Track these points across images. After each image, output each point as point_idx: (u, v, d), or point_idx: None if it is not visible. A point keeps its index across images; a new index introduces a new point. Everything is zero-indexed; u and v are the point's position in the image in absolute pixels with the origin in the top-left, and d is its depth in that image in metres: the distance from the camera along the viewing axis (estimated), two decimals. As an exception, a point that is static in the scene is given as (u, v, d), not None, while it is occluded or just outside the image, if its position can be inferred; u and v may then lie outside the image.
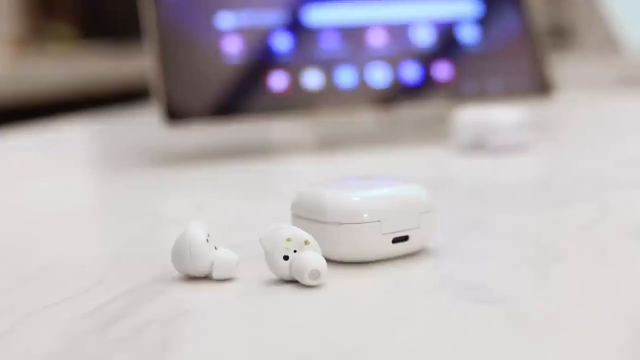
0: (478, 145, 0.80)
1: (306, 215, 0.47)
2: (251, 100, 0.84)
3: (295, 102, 0.84)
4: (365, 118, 0.89)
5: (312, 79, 0.85)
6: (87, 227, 0.60)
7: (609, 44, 1.27)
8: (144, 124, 1.14)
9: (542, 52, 0.92)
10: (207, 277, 0.45)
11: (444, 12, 0.91)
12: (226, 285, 0.44)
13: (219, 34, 0.85)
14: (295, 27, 0.87)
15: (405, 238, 0.46)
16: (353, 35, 0.88)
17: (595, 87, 1.23)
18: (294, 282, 0.43)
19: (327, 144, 0.86)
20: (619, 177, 0.67)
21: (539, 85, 0.90)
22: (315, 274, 0.43)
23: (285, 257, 0.44)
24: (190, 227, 0.45)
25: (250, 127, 0.86)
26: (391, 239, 0.46)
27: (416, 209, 0.47)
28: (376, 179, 0.50)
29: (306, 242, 0.44)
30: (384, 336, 0.36)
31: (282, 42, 0.86)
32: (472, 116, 0.81)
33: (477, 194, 0.64)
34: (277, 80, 0.85)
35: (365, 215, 0.46)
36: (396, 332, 0.37)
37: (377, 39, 0.88)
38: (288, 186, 0.71)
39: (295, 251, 0.44)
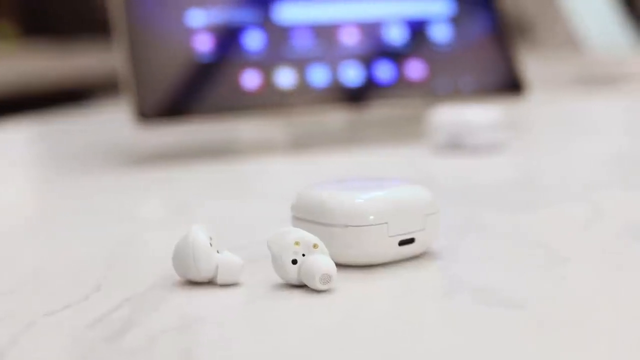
0: (455, 145, 0.79)
1: (309, 217, 0.46)
2: (223, 99, 0.82)
3: (268, 100, 0.83)
4: (339, 117, 0.88)
5: (285, 77, 0.84)
6: (68, 231, 0.58)
7: (569, 41, 1.27)
8: (106, 123, 1.12)
9: (514, 50, 0.92)
10: (209, 282, 0.44)
11: (416, 10, 0.90)
12: (232, 290, 0.43)
13: (190, 32, 0.83)
14: (267, 24, 0.85)
15: (411, 240, 0.45)
16: (325, 33, 0.87)
17: (556, 85, 1.23)
18: (301, 286, 0.42)
19: (301, 144, 0.85)
20: (604, 177, 0.67)
21: (512, 84, 0.90)
22: (326, 278, 0.42)
23: (294, 261, 0.42)
24: (192, 230, 0.44)
25: (222, 126, 0.85)
26: (398, 242, 0.45)
27: (422, 211, 0.46)
28: (376, 180, 0.49)
29: (315, 246, 0.43)
30: (405, 342, 0.35)
31: (254, 40, 0.85)
32: (448, 115, 0.80)
33: (461, 194, 0.63)
34: (250, 79, 0.83)
35: (372, 218, 0.45)
36: (418, 338, 0.36)
37: (349, 37, 0.87)
38: (267, 186, 0.70)
39: (303, 255, 0.42)
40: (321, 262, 0.42)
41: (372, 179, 0.50)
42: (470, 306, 0.39)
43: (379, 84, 0.87)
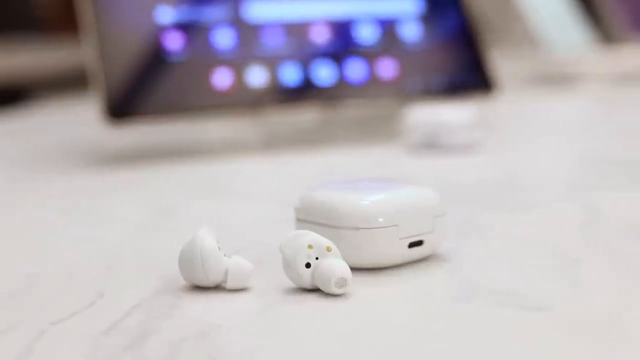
0: (430, 145, 0.79)
1: (316, 219, 0.45)
2: (194, 98, 0.81)
3: (240, 100, 0.82)
4: (311, 116, 0.87)
5: (256, 76, 0.83)
6: (56, 235, 0.56)
7: (527, 40, 1.28)
8: (63, 123, 1.10)
9: (484, 49, 0.92)
10: (217, 287, 0.43)
11: (386, 8, 0.89)
12: (243, 295, 0.42)
13: (159, 29, 0.82)
14: (237, 22, 0.84)
15: (420, 242, 0.45)
16: (296, 31, 0.85)
17: (515, 84, 1.23)
18: (314, 290, 0.41)
19: (274, 143, 0.84)
20: (587, 177, 0.67)
21: (483, 83, 0.90)
22: (342, 282, 0.41)
23: (307, 265, 0.41)
24: (200, 234, 0.43)
25: (192, 125, 0.83)
26: (407, 244, 0.44)
27: (431, 213, 0.45)
28: (379, 182, 0.49)
29: (328, 249, 0.42)
30: (432, 348, 0.35)
31: (224, 38, 0.83)
32: (423, 115, 0.80)
33: (450, 194, 0.62)
34: (221, 78, 0.82)
35: (382, 220, 0.44)
36: (445, 345, 0.35)
37: (320, 36, 0.86)
38: (248, 186, 0.69)
39: (316, 258, 0.42)
40: (337, 266, 0.41)
41: (374, 180, 0.49)
42: (494, 310, 0.38)
43: (350, 83, 0.86)
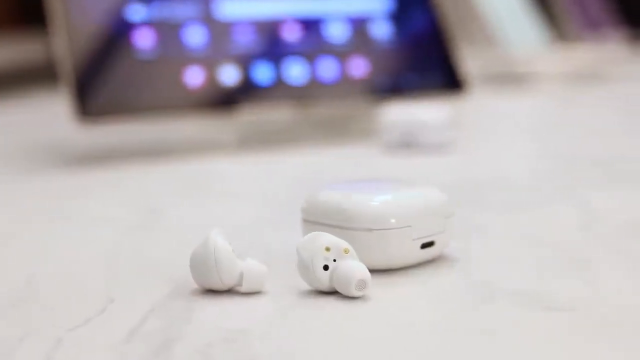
0: (406, 144, 0.78)
1: (326, 221, 0.44)
2: (166, 97, 0.79)
3: (212, 98, 0.81)
4: (284, 115, 0.86)
5: (229, 74, 0.82)
6: (48, 238, 0.54)
7: (484, 39, 1.29)
8: (33, 121, 1.07)
9: (454, 48, 0.92)
10: (229, 290, 0.42)
11: (356, 6, 0.89)
12: (259, 299, 0.41)
13: (130, 27, 0.80)
14: (208, 20, 0.83)
15: (431, 243, 0.44)
16: (267, 29, 0.85)
17: (474, 83, 1.24)
18: (331, 293, 0.41)
19: (249, 143, 0.83)
20: (571, 176, 0.68)
21: (453, 82, 0.90)
22: (362, 284, 0.40)
23: (325, 267, 0.41)
24: (212, 236, 0.42)
25: (164, 124, 0.82)
26: (420, 245, 0.44)
27: (442, 213, 0.45)
28: (385, 182, 0.48)
29: (345, 251, 0.41)
30: (460, 350, 0.34)
31: (195, 36, 0.82)
32: (399, 114, 0.79)
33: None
34: (193, 76, 0.81)
35: (395, 221, 0.43)
36: (474, 346, 0.35)
37: (291, 34, 0.85)
38: (231, 186, 0.68)
39: (334, 260, 0.41)
40: (356, 268, 0.40)
41: (377, 181, 0.49)
42: (517, 311, 0.38)
43: (322, 81, 0.85)
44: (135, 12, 0.80)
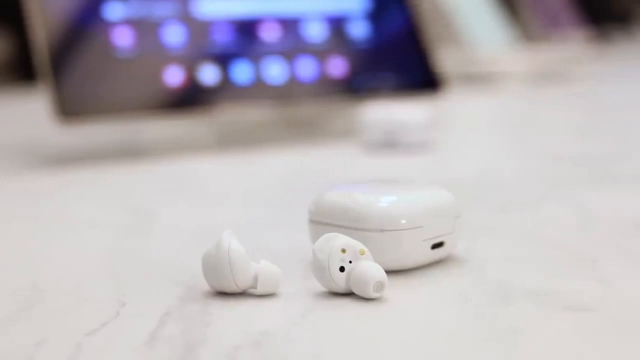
0: (388, 143, 0.78)
1: (336, 222, 0.44)
2: (146, 96, 0.78)
3: (192, 98, 0.80)
4: (263, 114, 0.85)
5: (208, 74, 0.81)
6: (43, 241, 0.53)
7: (451, 39, 1.29)
8: (7, 120, 1.05)
9: (430, 47, 0.92)
10: (242, 293, 0.41)
11: (334, 6, 0.89)
12: (275, 301, 0.40)
13: (108, 25, 0.79)
14: (187, 19, 0.82)
15: (441, 244, 0.44)
16: (246, 28, 0.84)
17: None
18: (346, 294, 0.40)
19: (231, 142, 0.82)
20: (558, 175, 0.68)
21: (430, 81, 0.90)
22: (380, 285, 0.40)
23: (341, 269, 0.40)
24: (225, 237, 0.41)
25: (144, 124, 0.81)
26: (430, 245, 0.44)
27: (451, 214, 0.45)
28: (391, 183, 0.48)
29: (361, 252, 0.41)
30: (485, 351, 0.34)
31: (174, 35, 0.81)
32: (381, 114, 0.79)
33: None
34: (172, 75, 0.80)
35: (406, 222, 0.43)
36: (500, 347, 0.34)
37: (270, 33, 0.85)
38: (218, 186, 0.67)
39: (350, 262, 0.41)
40: (374, 270, 0.40)
41: (381, 181, 0.49)
42: (539, 311, 0.38)
43: (301, 81, 0.85)
44: (114, 11, 0.79)
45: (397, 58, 0.90)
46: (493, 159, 0.77)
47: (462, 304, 0.40)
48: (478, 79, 1.26)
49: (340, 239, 0.41)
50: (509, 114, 1.10)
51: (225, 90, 0.81)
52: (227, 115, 0.81)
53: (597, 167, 0.70)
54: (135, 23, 0.80)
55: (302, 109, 0.84)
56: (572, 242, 0.49)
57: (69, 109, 0.74)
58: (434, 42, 1.28)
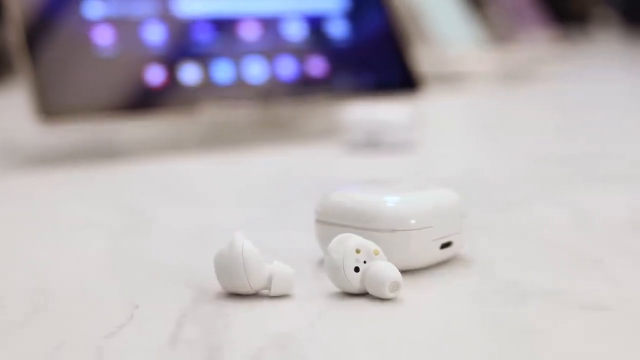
0: (370, 143, 0.79)
1: (345, 222, 0.44)
2: (128, 96, 0.78)
3: (174, 97, 0.79)
4: (245, 114, 0.85)
5: (190, 73, 0.81)
6: (39, 241, 0.53)
7: (420, 39, 1.30)
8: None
9: (408, 47, 0.92)
10: (255, 294, 0.41)
11: (313, 5, 0.89)
12: (290, 302, 0.40)
13: (88, 24, 0.78)
14: (167, 17, 0.82)
15: (449, 244, 0.45)
16: (226, 27, 0.84)
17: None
18: (360, 295, 0.40)
19: (210, 142, 0.82)
20: (547, 175, 0.69)
21: (408, 81, 0.91)
22: (395, 285, 0.40)
23: (356, 269, 0.40)
24: (238, 238, 0.41)
25: (124, 124, 0.80)
26: (439, 245, 0.44)
27: (459, 214, 0.45)
28: (398, 183, 0.48)
29: (375, 252, 0.41)
30: (506, 351, 0.34)
31: (155, 34, 0.81)
32: (362, 114, 0.80)
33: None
34: (154, 75, 0.79)
35: (417, 222, 0.43)
36: (529, 345, 0.35)
37: (250, 32, 0.85)
38: (206, 187, 0.67)
39: (364, 262, 0.41)
40: (389, 270, 0.40)
41: (387, 182, 0.49)
42: (554, 311, 0.38)
43: (282, 80, 0.85)
44: (94, 9, 0.79)
45: (376, 58, 0.90)
46: (475, 158, 0.77)
47: (477, 304, 0.40)
48: (446, 79, 1.26)
49: (354, 240, 0.41)
50: (482, 114, 1.11)
51: (207, 89, 0.81)
52: (209, 115, 0.81)
53: (581, 167, 0.71)
54: (116, 22, 0.79)
55: (282, 109, 0.84)
56: (572, 242, 0.49)
57: (50, 108, 0.73)
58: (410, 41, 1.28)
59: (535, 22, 1.55)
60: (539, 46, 1.50)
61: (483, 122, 1.03)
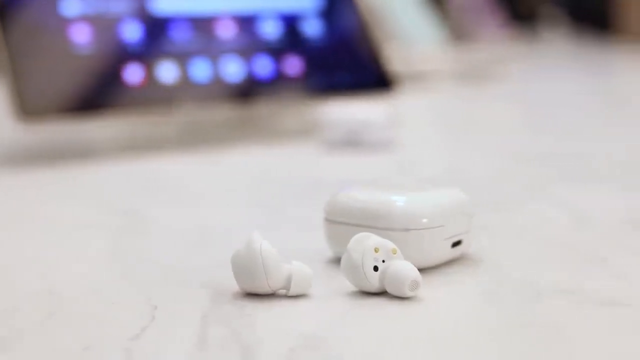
0: (350, 142, 0.79)
1: (357, 221, 0.44)
2: (106, 94, 0.77)
3: (152, 96, 0.79)
4: (222, 113, 0.84)
5: (167, 72, 0.80)
6: (39, 242, 0.52)
7: (382, 38, 1.30)
8: None
9: (380, 47, 0.93)
10: (273, 294, 0.41)
11: (287, 4, 0.89)
12: (311, 301, 0.40)
13: (65, 22, 0.77)
14: (144, 15, 0.81)
15: (459, 242, 0.45)
16: (203, 25, 0.83)
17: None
18: (379, 294, 0.41)
19: (189, 141, 0.81)
20: (533, 174, 0.69)
21: (382, 80, 0.91)
22: (415, 284, 0.40)
23: (375, 268, 0.41)
24: (256, 238, 0.41)
25: (103, 123, 0.79)
26: (451, 244, 0.45)
27: (468, 212, 0.46)
28: (404, 183, 0.49)
29: (393, 251, 0.41)
30: (529, 350, 0.35)
31: (132, 32, 0.80)
32: (341, 113, 0.80)
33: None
34: (132, 73, 0.79)
35: (429, 221, 0.44)
36: (552, 341, 0.35)
37: (226, 31, 0.84)
38: (192, 186, 0.67)
39: (383, 261, 0.41)
40: (409, 269, 0.40)
41: (391, 182, 0.49)
42: (573, 308, 0.39)
43: (259, 79, 0.85)
44: (71, 7, 0.78)
45: (350, 57, 0.90)
46: (455, 158, 0.78)
47: (495, 302, 0.40)
48: (410, 78, 1.27)
49: (373, 239, 0.41)
50: (451, 113, 1.11)
51: (185, 88, 0.80)
52: (187, 113, 0.80)
53: (561, 166, 0.72)
54: (93, 19, 0.78)
55: (259, 107, 0.84)
56: (573, 241, 0.50)
57: (27, 107, 0.72)
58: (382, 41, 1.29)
59: (494, 22, 1.56)
60: (497, 45, 1.52)
61: (453, 121, 1.04)
